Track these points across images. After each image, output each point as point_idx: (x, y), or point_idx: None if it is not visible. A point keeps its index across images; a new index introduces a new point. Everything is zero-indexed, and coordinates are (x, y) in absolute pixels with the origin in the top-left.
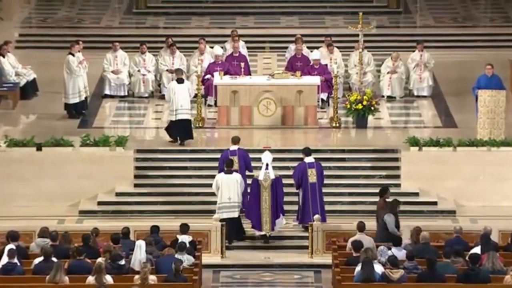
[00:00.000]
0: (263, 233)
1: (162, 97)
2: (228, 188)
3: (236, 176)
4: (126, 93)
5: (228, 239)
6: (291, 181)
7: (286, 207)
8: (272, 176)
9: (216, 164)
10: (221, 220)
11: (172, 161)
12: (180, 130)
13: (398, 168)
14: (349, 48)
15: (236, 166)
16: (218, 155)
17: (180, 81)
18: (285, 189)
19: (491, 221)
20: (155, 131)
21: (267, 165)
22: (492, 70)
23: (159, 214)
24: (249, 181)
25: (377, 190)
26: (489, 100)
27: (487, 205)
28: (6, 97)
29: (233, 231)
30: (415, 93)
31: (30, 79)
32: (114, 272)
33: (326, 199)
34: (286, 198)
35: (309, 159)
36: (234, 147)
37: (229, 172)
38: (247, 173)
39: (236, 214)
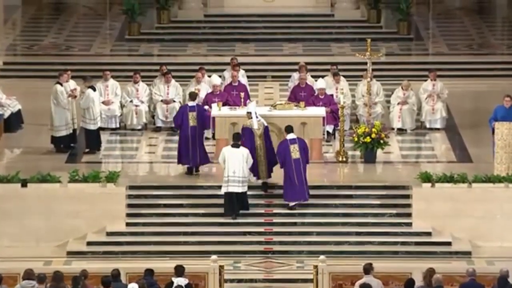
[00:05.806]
0: (262, 181)
1: (157, 129)
2: (233, 162)
3: (243, 151)
4: (118, 125)
5: (230, 211)
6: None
7: None
8: (265, 124)
9: (215, 201)
10: (226, 193)
11: (167, 198)
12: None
13: (409, 205)
14: (356, 77)
15: (194, 122)
16: (216, 192)
17: (94, 89)
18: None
19: (508, 263)
20: (149, 166)
21: (256, 113)
22: (511, 102)
23: (152, 255)
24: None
25: (386, 229)
26: (506, 133)
27: (505, 246)
28: None
29: (237, 205)
30: (428, 126)
31: (15, 111)
32: None
33: (332, 238)
34: None
35: (290, 136)
36: (193, 103)
37: (236, 146)
38: (205, 133)
39: (239, 189)
